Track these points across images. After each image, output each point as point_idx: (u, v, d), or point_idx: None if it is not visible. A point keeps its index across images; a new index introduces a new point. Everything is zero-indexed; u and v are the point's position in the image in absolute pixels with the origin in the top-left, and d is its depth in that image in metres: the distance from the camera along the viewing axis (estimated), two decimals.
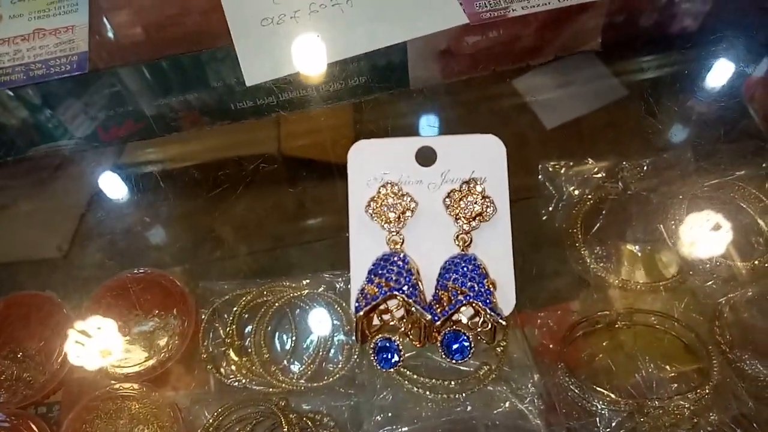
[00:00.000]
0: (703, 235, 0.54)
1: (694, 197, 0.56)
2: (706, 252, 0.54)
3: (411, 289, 0.27)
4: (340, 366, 0.52)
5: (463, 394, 0.48)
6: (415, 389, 0.49)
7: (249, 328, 0.54)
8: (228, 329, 0.53)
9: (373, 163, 0.28)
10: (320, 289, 0.55)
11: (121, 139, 0.54)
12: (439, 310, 0.27)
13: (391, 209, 0.28)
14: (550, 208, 0.59)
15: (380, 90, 0.48)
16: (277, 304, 0.54)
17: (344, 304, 0.55)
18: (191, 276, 0.57)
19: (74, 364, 0.52)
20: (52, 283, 0.57)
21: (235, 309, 0.54)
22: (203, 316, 0.54)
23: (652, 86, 0.67)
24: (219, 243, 0.62)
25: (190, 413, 0.51)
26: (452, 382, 0.49)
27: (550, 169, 0.58)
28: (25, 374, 0.52)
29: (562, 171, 0.58)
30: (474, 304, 0.27)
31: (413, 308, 0.27)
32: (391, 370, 0.28)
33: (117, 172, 0.63)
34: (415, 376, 0.49)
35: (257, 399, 0.51)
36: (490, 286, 0.27)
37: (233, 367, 0.52)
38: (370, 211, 0.29)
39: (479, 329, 0.27)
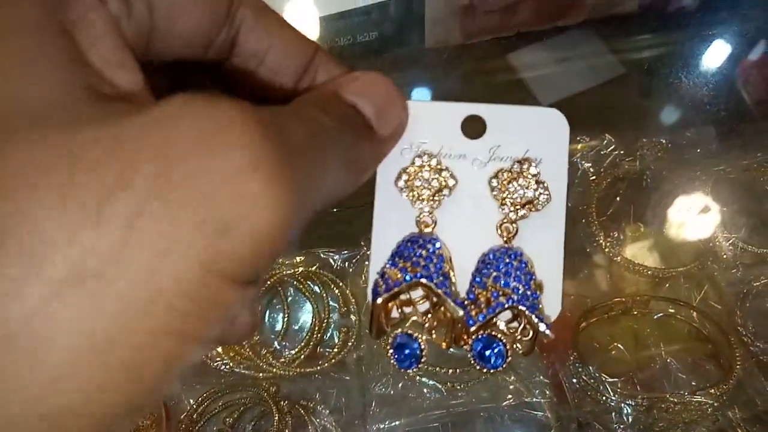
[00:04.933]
0: (727, 219, 0.51)
1: (717, 179, 0.52)
2: (728, 237, 0.50)
3: (441, 278, 0.22)
4: (336, 350, 0.48)
5: (469, 384, 0.45)
6: (418, 377, 0.45)
7: None
8: None
9: (410, 129, 0.23)
10: (314, 267, 0.51)
11: None
12: (474, 312, 0.22)
13: (426, 185, 0.23)
14: None
15: (392, 47, 0.43)
16: (268, 282, 0.50)
17: (341, 284, 0.51)
18: None
19: None
20: None
21: None
22: None
23: (669, 61, 0.64)
24: None
25: (171, 397, 0.47)
26: (457, 371, 0.46)
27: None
28: None
29: (578, 147, 0.54)
30: (517, 309, 0.22)
31: (442, 301, 0.22)
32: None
33: None
34: None
35: (245, 384, 0.47)
36: (537, 288, 0.23)
37: (220, 349, 0.48)
38: (401, 185, 0.23)
39: (518, 336, 0.22)
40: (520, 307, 0.22)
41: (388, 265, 0.22)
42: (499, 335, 0.22)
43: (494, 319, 0.22)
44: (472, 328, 0.21)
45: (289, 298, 0.51)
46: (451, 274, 0.23)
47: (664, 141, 0.55)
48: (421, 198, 0.23)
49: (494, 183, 0.23)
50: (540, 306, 0.22)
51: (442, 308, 0.23)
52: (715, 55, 0.63)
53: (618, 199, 0.53)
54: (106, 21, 0.16)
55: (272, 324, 0.50)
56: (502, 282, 0.22)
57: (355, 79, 0.20)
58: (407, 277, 0.21)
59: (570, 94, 0.65)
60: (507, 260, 0.23)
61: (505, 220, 0.23)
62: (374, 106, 0.20)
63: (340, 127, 0.18)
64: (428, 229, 0.23)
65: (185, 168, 0.13)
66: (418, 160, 0.23)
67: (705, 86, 0.63)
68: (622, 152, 0.54)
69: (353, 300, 0.50)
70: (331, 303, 0.50)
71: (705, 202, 0.52)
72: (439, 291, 0.22)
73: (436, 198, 0.23)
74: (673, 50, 0.64)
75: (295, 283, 0.51)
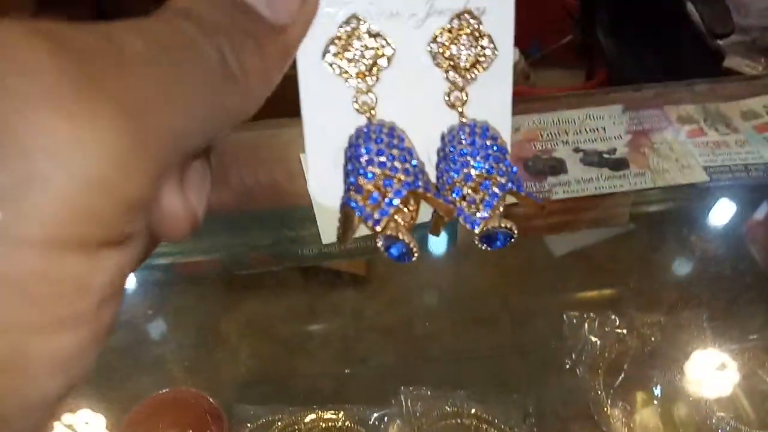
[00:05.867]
0: (722, 400, 0.57)
1: (711, 358, 0.59)
2: (723, 417, 0.56)
3: (425, 177, 0.20)
4: None
5: None
6: None
7: None
8: None
9: None
10: (350, 422, 0.57)
11: (196, 275, 0.58)
12: (472, 211, 0.20)
13: (360, 58, 0.20)
14: (574, 356, 0.62)
15: None
16: None
17: None
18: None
19: None
20: None
21: None
22: None
23: (677, 216, 0.68)
24: (225, 348, 0.62)
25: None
26: None
27: (575, 321, 0.62)
28: None
29: (586, 324, 0.62)
30: (513, 194, 0.20)
31: (433, 204, 0.20)
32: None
33: None
34: None
35: None
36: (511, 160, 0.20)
37: None
38: (329, 59, 0.19)
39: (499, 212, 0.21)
40: (513, 189, 0.20)
41: (360, 175, 0.19)
42: (496, 223, 0.20)
43: (467, 191, 0.21)
44: (477, 230, 0.20)
45: None
46: (425, 167, 0.21)
47: (662, 320, 0.63)
48: (356, 74, 0.20)
49: (434, 47, 0.20)
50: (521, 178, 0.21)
51: (413, 201, 0.20)
52: (722, 211, 0.67)
53: (623, 374, 0.60)
54: None
55: None
56: (487, 169, 0.20)
57: None
58: (397, 191, 0.19)
59: (581, 246, 0.73)
60: (479, 141, 0.20)
61: (453, 88, 0.21)
62: None
63: (209, 32, 0.14)
64: (372, 112, 0.20)
65: None
66: (345, 28, 0.19)
67: (712, 242, 0.68)
68: (624, 331, 0.61)
69: None
70: None
71: (701, 380, 0.58)
72: (429, 195, 0.20)
73: (373, 72, 0.20)
74: (681, 206, 0.68)
75: None
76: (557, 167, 0.46)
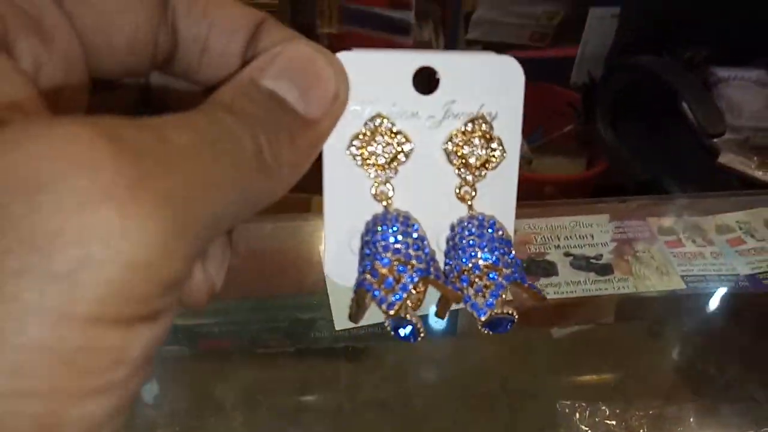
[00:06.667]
0: None
1: None
2: None
3: (436, 265, 0.22)
4: None
5: None
6: None
7: None
8: None
9: (358, 85, 0.20)
10: None
11: (218, 350, 0.62)
12: (480, 301, 0.21)
13: (380, 151, 0.21)
14: None
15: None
16: None
17: None
18: None
19: None
20: None
21: None
22: None
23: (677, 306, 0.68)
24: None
25: None
26: None
27: (567, 410, 0.65)
28: None
29: (577, 414, 0.65)
30: (517, 285, 0.22)
31: (444, 291, 0.22)
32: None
33: None
34: None
35: None
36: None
37: None
38: (353, 152, 0.21)
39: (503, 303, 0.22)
40: (518, 280, 0.21)
41: (377, 260, 0.21)
42: (501, 311, 0.21)
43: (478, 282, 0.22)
44: (483, 318, 0.21)
45: None
46: (435, 255, 0.22)
47: (650, 413, 0.65)
48: (376, 166, 0.21)
49: (449, 147, 0.22)
50: (524, 270, 0.22)
51: (422, 285, 0.22)
52: (707, 310, 0.68)
53: None
54: None
55: None
56: (493, 260, 0.21)
57: (274, 58, 0.17)
58: (410, 277, 0.20)
59: (579, 329, 0.75)
60: (485, 234, 0.22)
61: (463, 184, 0.22)
62: (298, 88, 0.17)
63: (248, 125, 0.16)
64: (389, 201, 0.22)
65: (16, 208, 0.12)
66: (370, 124, 0.21)
67: (698, 338, 0.70)
68: (614, 422, 0.64)
69: None
70: None
71: None
72: (439, 282, 0.21)
73: (392, 165, 0.22)
74: (667, 305, 0.67)
75: None
76: (549, 269, 0.51)
